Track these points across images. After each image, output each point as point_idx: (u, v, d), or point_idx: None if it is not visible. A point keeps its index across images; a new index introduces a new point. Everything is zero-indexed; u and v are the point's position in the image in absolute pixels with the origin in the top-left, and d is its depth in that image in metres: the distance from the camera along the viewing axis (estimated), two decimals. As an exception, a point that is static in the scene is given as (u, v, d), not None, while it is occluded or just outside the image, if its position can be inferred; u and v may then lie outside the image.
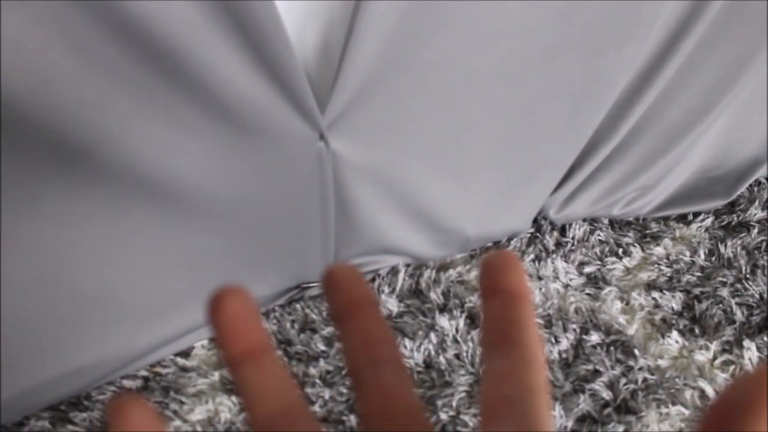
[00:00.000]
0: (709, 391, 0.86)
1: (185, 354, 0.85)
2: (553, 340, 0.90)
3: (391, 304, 0.91)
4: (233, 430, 0.79)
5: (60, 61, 0.46)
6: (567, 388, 0.85)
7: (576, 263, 1.01)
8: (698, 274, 1.01)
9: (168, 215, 0.65)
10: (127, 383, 0.81)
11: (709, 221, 1.08)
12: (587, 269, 1.00)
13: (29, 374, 0.72)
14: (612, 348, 0.89)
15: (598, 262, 1.01)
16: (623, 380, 0.86)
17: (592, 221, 1.07)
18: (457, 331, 0.89)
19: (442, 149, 0.76)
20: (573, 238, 1.04)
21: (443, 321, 0.89)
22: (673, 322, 0.94)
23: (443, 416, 0.81)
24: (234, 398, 0.81)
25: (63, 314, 0.68)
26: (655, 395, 0.85)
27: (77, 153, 0.53)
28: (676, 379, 0.87)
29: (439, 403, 0.82)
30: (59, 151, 0.52)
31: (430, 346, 0.87)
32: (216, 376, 0.83)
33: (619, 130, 0.87)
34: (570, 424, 0.82)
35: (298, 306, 0.90)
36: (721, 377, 0.88)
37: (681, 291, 0.98)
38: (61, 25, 0.44)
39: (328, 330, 0.88)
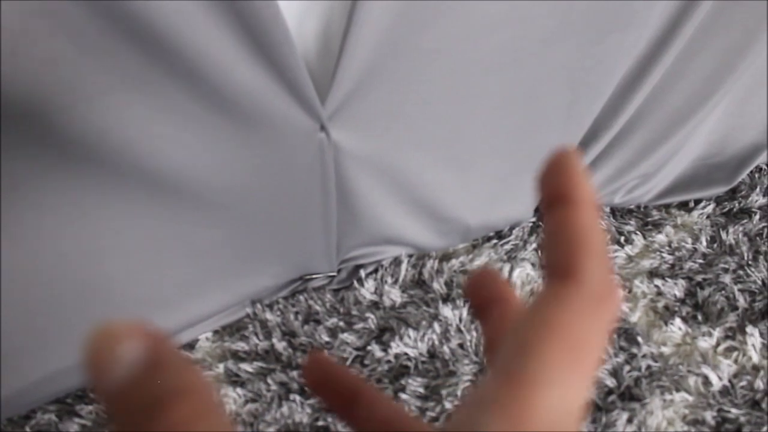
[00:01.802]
0: (713, 377, 0.86)
1: (190, 346, 0.86)
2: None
3: (394, 295, 0.92)
4: (238, 422, 0.79)
5: (58, 53, 0.46)
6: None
7: (578, 252, 1.01)
8: (700, 261, 1.01)
9: (169, 207, 0.65)
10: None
11: (710, 208, 1.08)
12: (589, 258, 1.00)
13: (34, 367, 0.72)
14: (615, 335, 0.90)
15: (600, 251, 1.01)
16: (627, 367, 0.86)
17: (594, 210, 1.06)
18: (460, 320, 0.89)
19: (442, 138, 0.76)
20: (575, 226, 1.04)
21: (446, 311, 0.89)
22: (676, 309, 0.94)
23: (448, 405, 0.82)
24: (239, 390, 0.81)
25: (66, 307, 0.68)
26: (658, 382, 0.85)
27: (76, 145, 0.53)
28: (680, 366, 0.87)
29: (444, 392, 0.82)
30: (58, 142, 0.52)
31: (434, 336, 0.87)
32: (221, 368, 0.83)
33: (619, 118, 0.87)
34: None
35: (301, 297, 0.91)
36: (725, 363, 0.88)
37: (683, 278, 0.98)
38: (59, 16, 0.44)
39: (331, 321, 0.88)
